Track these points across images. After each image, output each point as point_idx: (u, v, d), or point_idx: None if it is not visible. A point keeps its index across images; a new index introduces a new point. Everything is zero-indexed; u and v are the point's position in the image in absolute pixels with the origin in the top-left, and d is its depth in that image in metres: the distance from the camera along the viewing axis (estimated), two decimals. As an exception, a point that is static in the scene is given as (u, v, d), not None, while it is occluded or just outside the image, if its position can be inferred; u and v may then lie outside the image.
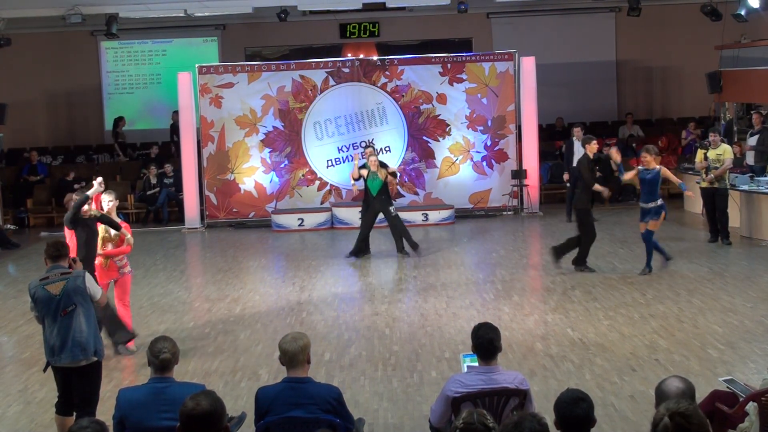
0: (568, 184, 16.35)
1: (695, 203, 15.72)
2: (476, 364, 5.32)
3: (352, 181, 14.05)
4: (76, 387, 6.36)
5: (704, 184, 13.50)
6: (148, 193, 18.34)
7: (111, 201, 9.00)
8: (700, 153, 13.69)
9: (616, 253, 12.77)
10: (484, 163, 17.37)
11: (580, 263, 11.76)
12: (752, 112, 16.66)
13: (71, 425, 4.02)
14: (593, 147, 11.68)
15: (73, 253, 7.80)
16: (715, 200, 13.34)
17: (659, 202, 11.30)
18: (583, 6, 21.05)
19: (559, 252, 11.95)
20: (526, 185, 17.05)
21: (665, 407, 3.45)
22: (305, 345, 5.15)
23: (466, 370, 5.44)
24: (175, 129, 19.93)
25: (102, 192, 8.78)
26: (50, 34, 20.56)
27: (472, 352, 5.38)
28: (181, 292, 11.84)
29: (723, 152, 13.25)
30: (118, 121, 20.64)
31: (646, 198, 11.35)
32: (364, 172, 13.31)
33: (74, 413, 6.40)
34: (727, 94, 17.69)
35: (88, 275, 6.53)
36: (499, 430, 3.72)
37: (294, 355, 5.09)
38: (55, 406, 6.55)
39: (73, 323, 6.29)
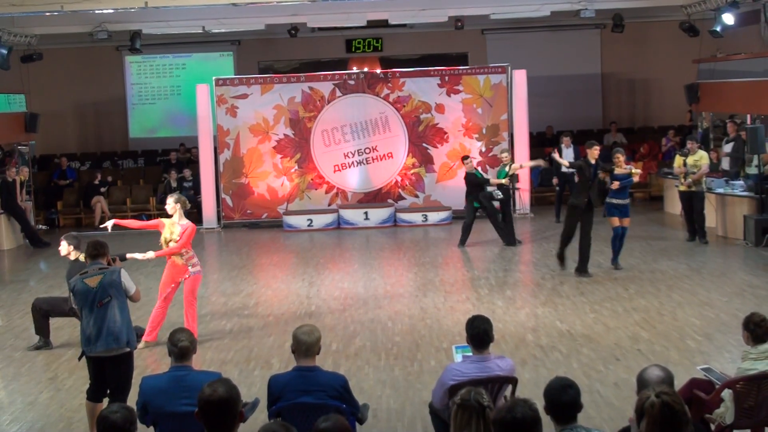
0: (557, 188, 16.34)
1: (675, 205, 15.69)
2: (469, 354, 5.32)
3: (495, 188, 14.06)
4: (109, 375, 6.37)
5: (683, 188, 13.51)
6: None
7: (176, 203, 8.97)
8: (679, 159, 13.69)
9: (602, 251, 12.73)
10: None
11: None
12: (727, 121, 16.66)
13: (102, 409, 4.03)
14: (594, 152, 11.37)
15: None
16: (693, 202, 13.35)
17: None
18: (571, 23, 20.95)
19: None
20: (518, 189, 16.99)
21: (650, 390, 3.48)
22: (319, 338, 5.19)
23: (460, 359, 5.44)
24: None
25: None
26: (79, 50, 20.57)
27: (464, 344, 5.39)
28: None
29: (700, 158, 13.29)
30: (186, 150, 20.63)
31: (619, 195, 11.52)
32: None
33: (104, 400, 6.40)
34: (704, 105, 17.65)
35: (124, 271, 6.59)
36: (493, 415, 3.71)
37: (310, 346, 5.11)
38: (86, 393, 6.54)
39: (107, 314, 6.33)
